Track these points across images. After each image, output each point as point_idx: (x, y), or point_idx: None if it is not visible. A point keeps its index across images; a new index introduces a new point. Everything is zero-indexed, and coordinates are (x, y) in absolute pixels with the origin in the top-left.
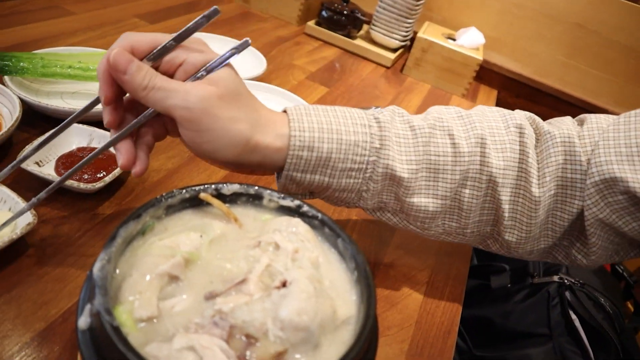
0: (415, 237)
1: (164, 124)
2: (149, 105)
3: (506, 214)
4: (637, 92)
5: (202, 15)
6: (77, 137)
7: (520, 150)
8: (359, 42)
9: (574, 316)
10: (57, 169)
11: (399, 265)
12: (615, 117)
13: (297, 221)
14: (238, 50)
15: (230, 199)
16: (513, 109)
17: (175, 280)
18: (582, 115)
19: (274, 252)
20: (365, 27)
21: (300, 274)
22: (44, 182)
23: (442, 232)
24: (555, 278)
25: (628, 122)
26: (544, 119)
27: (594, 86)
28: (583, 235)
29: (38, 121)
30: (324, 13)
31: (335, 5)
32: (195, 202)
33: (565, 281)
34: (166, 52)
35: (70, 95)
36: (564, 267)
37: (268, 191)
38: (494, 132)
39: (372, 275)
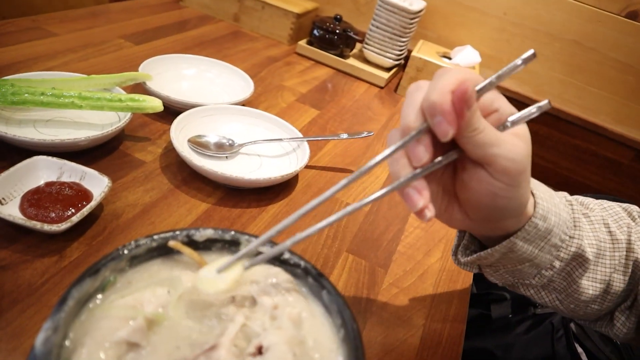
0: (410, 274)
1: (454, 174)
2: (467, 147)
3: (628, 302)
4: (636, 110)
5: (520, 58)
6: (45, 171)
7: None
8: (351, 61)
9: (580, 349)
10: (22, 207)
11: (393, 306)
12: None
13: (277, 271)
14: (540, 109)
15: (203, 245)
16: None
17: (135, 348)
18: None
19: (251, 309)
20: (358, 46)
21: (279, 337)
22: (5, 222)
23: (582, 315)
24: None
25: None
26: (542, 137)
27: (592, 104)
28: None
29: (9, 152)
30: (315, 32)
31: (327, 23)
32: (164, 251)
33: None
34: (486, 91)
35: (44, 124)
36: None
37: (246, 236)
38: (633, 223)
39: (360, 335)
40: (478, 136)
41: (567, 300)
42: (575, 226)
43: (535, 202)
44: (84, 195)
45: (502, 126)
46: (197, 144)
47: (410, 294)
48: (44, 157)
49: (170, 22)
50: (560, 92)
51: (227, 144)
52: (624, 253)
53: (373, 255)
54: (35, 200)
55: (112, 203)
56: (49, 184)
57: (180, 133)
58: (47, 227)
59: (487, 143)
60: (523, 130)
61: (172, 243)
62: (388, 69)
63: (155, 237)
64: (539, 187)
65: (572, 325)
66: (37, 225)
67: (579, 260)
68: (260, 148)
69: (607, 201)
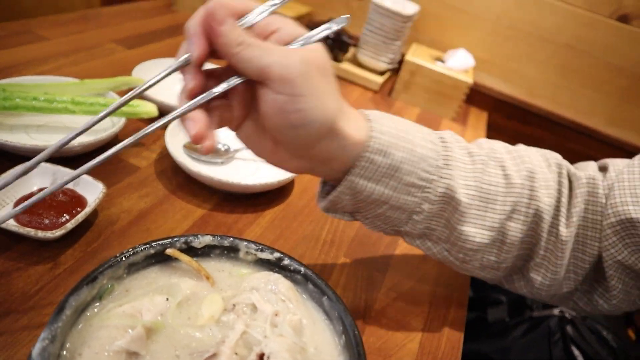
0: (408, 278)
1: (231, 106)
2: (239, 65)
3: (540, 252)
4: (629, 112)
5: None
6: (38, 177)
7: (557, 189)
8: (345, 65)
9: (577, 352)
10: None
11: (392, 311)
12: (633, 160)
13: (277, 277)
14: (336, 24)
15: (202, 252)
16: (504, 131)
17: (135, 357)
18: (604, 160)
19: (251, 316)
20: (352, 50)
21: (280, 345)
22: None
23: (478, 266)
24: (556, 311)
25: None
26: (535, 140)
27: (586, 107)
28: (604, 279)
29: (0, 158)
30: None
31: None
32: (161, 258)
33: (567, 315)
34: (257, 20)
35: (36, 129)
36: None
37: (245, 243)
38: (542, 167)
39: (361, 341)
40: (245, 51)
41: (454, 249)
42: (446, 165)
43: (371, 135)
44: (78, 201)
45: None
46: (193, 149)
47: (409, 298)
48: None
49: (162, 26)
50: (553, 95)
51: (223, 149)
52: (523, 200)
53: (371, 260)
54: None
55: (107, 209)
56: (42, 190)
57: (175, 138)
58: (41, 234)
59: (256, 55)
60: (314, 47)
61: (169, 251)
62: (382, 73)
63: (154, 244)
64: (384, 122)
65: (568, 328)
66: (30, 232)
67: (451, 204)
68: None
69: (522, 146)
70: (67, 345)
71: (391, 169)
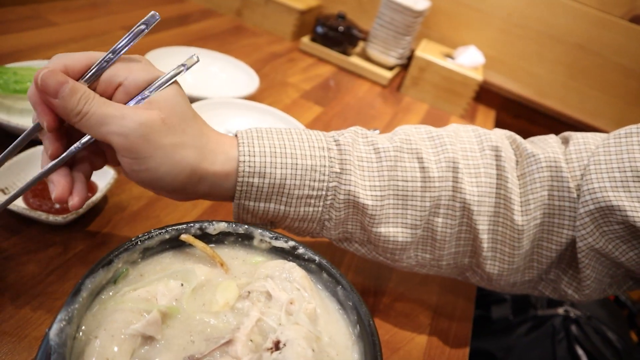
0: (416, 275)
1: (102, 152)
2: (84, 131)
3: (485, 245)
4: (636, 115)
5: (141, 22)
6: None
7: (497, 174)
8: (354, 59)
9: (580, 352)
10: (25, 198)
11: (400, 305)
12: (602, 135)
13: (291, 266)
14: (185, 67)
15: (216, 239)
16: (512, 130)
17: (150, 341)
18: (566, 133)
19: (266, 304)
20: (361, 44)
21: (296, 333)
22: (9, 212)
23: (415, 264)
24: (560, 310)
25: (619, 142)
26: None
27: (594, 108)
28: (572, 268)
29: (11, 142)
30: (319, 29)
31: (331, 21)
32: (176, 244)
33: (571, 314)
34: (104, 69)
35: None
36: None
37: (259, 230)
38: (468, 155)
39: (377, 331)
40: (83, 121)
41: (380, 249)
42: (342, 170)
43: (239, 161)
44: (89, 186)
45: (140, 95)
46: None
47: (417, 293)
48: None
49: (172, 15)
50: (562, 96)
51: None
52: (447, 193)
53: (387, 265)
54: (39, 190)
55: (117, 195)
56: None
57: None
58: (51, 218)
59: (96, 124)
60: (161, 96)
61: (184, 236)
62: (391, 68)
63: (169, 229)
64: (255, 142)
65: (573, 328)
66: (41, 216)
67: (358, 208)
68: None
69: (453, 127)
70: (83, 328)
71: (274, 187)
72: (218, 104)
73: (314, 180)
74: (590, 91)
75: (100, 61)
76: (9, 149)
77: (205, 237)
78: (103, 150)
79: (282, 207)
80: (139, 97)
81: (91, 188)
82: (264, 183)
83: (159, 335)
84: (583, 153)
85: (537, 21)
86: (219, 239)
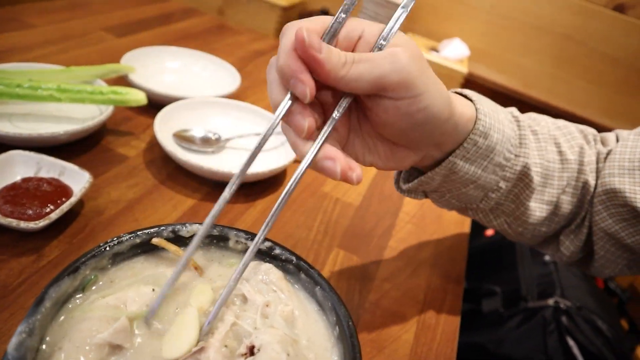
0: (403, 269)
1: (337, 128)
2: (349, 86)
3: (578, 220)
4: (624, 103)
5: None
6: (22, 167)
7: (596, 161)
8: None
9: (572, 342)
10: None
11: (386, 302)
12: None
13: (268, 267)
14: (406, 9)
15: (190, 241)
16: None
17: (118, 350)
18: (618, 131)
19: (241, 307)
20: None
21: (272, 337)
22: None
23: (529, 237)
24: (550, 302)
25: (636, 139)
26: None
27: (581, 97)
28: (592, 244)
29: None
30: None
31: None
32: (148, 248)
33: (562, 305)
34: (339, 29)
35: (22, 118)
36: (558, 290)
37: (234, 232)
38: (585, 144)
39: (356, 333)
40: (352, 70)
41: (516, 223)
42: (521, 144)
43: (477, 117)
44: (63, 191)
45: (376, 48)
46: (182, 138)
47: (403, 289)
48: (20, 151)
49: (153, 14)
50: (549, 86)
51: (213, 138)
52: (575, 174)
53: (364, 250)
54: (11, 196)
55: (94, 199)
56: (25, 180)
57: (164, 127)
58: (23, 225)
59: (364, 72)
60: (401, 40)
61: (156, 240)
62: None
63: (139, 233)
64: (483, 102)
65: (563, 319)
66: (12, 222)
67: (525, 181)
68: (247, 142)
69: (562, 120)
70: (47, 339)
71: (488, 150)
72: (199, 103)
73: (507, 150)
74: (576, 81)
75: (335, 21)
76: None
77: (178, 240)
78: (335, 127)
79: (479, 172)
80: (377, 46)
81: (66, 192)
82: (484, 144)
83: (128, 343)
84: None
85: (522, 12)
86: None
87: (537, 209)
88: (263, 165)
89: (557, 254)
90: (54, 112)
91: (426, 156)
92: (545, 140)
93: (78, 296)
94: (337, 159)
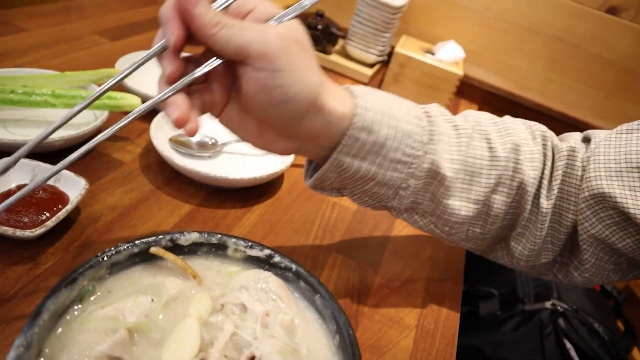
0: (401, 274)
1: (214, 90)
2: (217, 46)
3: (522, 222)
4: (617, 105)
5: None
6: (17, 173)
7: (542, 160)
8: (334, 57)
9: (569, 345)
10: None
11: (385, 307)
12: (610, 131)
13: (267, 275)
14: (309, 3)
15: (188, 249)
16: None
17: None
18: (589, 131)
19: (241, 316)
20: (340, 42)
21: (272, 347)
22: None
23: (464, 238)
24: (548, 304)
25: (619, 137)
26: None
27: (574, 99)
28: (578, 252)
29: None
30: None
31: (309, 19)
32: (146, 257)
33: (558, 308)
34: (232, 1)
35: (15, 124)
36: (555, 292)
37: (233, 239)
38: (525, 140)
39: (356, 341)
40: (222, 31)
41: (440, 222)
42: (430, 140)
43: (354, 113)
44: (59, 198)
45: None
46: (179, 143)
47: (402, 294)
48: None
49: (146, 18)
50: (542, 88)
51: (210, 142)
52: (508, 173)
53: (362, 255)
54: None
55: (90, 206)
56: (20, 187)
57: (160, 132)
58: (19, 233)
59: (234, 34)
60: (291, 23)
61: (154, 249)
62: (371, 65)
63: (137, 242)
64: (370, 98)
65: (560, 321)
66: (8, 231)
67: (437, 178)
68: (244, 147)
69: (508, 117)
70: (46, 351)
71: (376, 145)
72: None
73: (408, 146)
74: (569, 82)
75: None
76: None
77: (176, 248)
78: (212, 89)
79: (373, 168)
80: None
81: (62, 199)
82: (368, 140)
83: (127, 355)
84: (592, 145)
85: (515, 14)
86: (192, 249)
87: (463, 207)
88: (261, 170)
89: (513, 261)
90: (48, 117)
91: (303, 148)
92: (468, 135)
93: (76, 307)
94: (178, 107)
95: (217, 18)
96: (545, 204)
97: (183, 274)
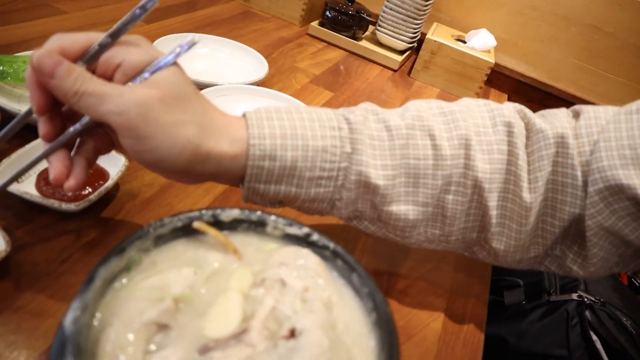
0: (430, 259)
1: (108, 136)
2: (85, 112)
3: (494, 220)
4: None
5: (137, 6)
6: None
7: (508, 151)
8: (364, 43)
9: (595, 337)
10: (38, 185)
11: (414, 291)
12: (614, 109)
13: (306, 252)
14: (184, 48)
15: (229, 226)
16: None
17: (164, 330)
18: (577, 107)
19: (280, 291)
20: (371, 28)
21: (312, 321)
22: (21, 200)
23: (424, 239)
24: (574, 296)
25: (630, 119)
26: None
27: (609, 90)
28: (576, 245)
29: (21, 131)
30: (328, 13)
31: (340, 5)
32: (188, 231)
33: (585, 300)
34: (102, 52)
35: None
36: (582, 284)
37: (273, 217)
38: (480, 130)
39: (393, 319)
40: (81, 100)
41: (390, 227)
42: (354, 150)
43: (250, 144)
44: (100, 174)
45: (140, 78)
46: None
47: (431, 278)
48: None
49: (179, 1)
50: (575, 78)
51: None
52: (458, 171)
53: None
54: None
55: (129, 183)
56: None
57: None
58: (64, 206)
59: (92, 105)
60: (160, 76)
61: (197, 224)
62: (401, 52)
63: (181, 216)
64: (265, 123)
65: (587, 313)
66: (54, 204)
67: (369, 188)
68: None
69: (465, 102)
70: (97, 316)
71: (286, 169)
72: (228, 89)
73: (325, 162)
74: (604, 73)
75: (98, 44)
76: (2, 132)
77: (218, 224)
78: (109, 134)
79: (293, 189)
80: (137, 80)
81: (102, 175)
82: (274, 166)
83: (173, 323)
84: (593, 128)
85: (551, 2)
86: (232, 225)
87: (410, 211)
88: None
89: (498, 259)
90: None
91: (216, 180)
92: (404, 136)
93: (124, 276)
94: (55, 167)
95: (75, 86)
96: (528, 197)
97: (224, 250)
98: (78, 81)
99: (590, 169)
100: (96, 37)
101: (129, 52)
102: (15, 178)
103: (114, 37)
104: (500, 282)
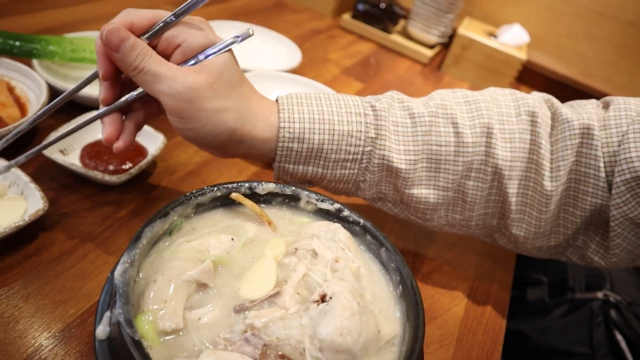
0: (455, 245)
1: (157, 104)
2: (140, 86)
3: (513, 207)
4: None
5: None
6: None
7: (531, 140)
8: (395, 37)
9: (619, 337)
10: (82, 158)
11: (438, 276)
12: None
13: (337, 227)
14: (240, 38)
15: (264, 199)
16: None
17: (203, 288)
18: (608, 98)
19: (312, 261)
20: (402, 21)
21: (342, 287)
22: (67, 171)
23: (445, 223)
24: (599, 295)
25: None
26: None
27: None
28: (599, 235)
29: (65, 107)
30: (360, 6)
31: None
32: (226, 202)
33: (611, 299)
34: (165, 29)
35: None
36: (608, 283)
37: (306, 192)
38: (504, 119)
39: (419, 291)
40: (139, 76)
41: (412, 209)
42: (378, 135)
43: (280, 127)
44: (139, 151)
45: (195, 59)
46: None
47: (455, 265)
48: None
49: None
50: (610, 76)
51: None
52: (479, 158)
53: (418, 225)
54: (94, 152)
55: (165, 160)
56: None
57: None
58: (107, 178)
59: (148, 82)
60: (212, 62)
61: (234, 195)
62: (432, 46)
63: (220, 187)
64: (295, 108)
65: (612, 312)
66: (98, 175)
67: (392, 172)
68: None
69: (490, 91)
70: (142, 273)
71: (312, 151)
72: (263, 76)
73: (350, 145)
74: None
75: (163, 21)
76: (67, 92)
77: (254, 196)
78: (157, 105)
79: (320, 170)
80: (193, 61)
81: (142, 152)
82: (302, 148)
83: (212, 283)
84: (623, 119)
85: None
86: (267, 199)
87: (431, 195)
88: None
89: (519, 246)
90: None
91: (249, 158)
92: (427, 123)
93: (166, 239)
94: (107, 128)
95: (136, 62)
96: (549, 185)
97: (259, 221)
98: (139, 58)
99: (618, 160)
100: (163, 15)
101: (191, 34)
102: (75, 130)
103: (178, 17)
104: (523, 279)
